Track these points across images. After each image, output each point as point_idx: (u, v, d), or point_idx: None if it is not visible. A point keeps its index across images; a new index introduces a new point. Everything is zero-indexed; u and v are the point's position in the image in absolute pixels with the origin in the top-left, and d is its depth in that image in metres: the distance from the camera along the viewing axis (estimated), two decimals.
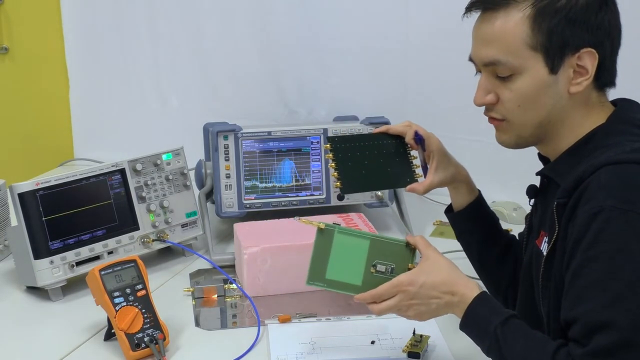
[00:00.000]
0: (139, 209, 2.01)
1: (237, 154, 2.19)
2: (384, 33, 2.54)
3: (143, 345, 1.61)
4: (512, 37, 1.35)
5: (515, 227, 1.99)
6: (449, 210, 1.76)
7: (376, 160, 1.72)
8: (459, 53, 1.54)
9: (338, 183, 1.68)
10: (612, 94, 1.44)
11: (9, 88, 2.92)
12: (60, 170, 2.86)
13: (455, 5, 1.50)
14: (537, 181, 1.50)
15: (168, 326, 1.67)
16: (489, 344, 1.34)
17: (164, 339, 1.63)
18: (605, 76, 1.38)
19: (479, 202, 1.72)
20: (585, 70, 1.35)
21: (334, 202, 2.25)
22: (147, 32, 2.80)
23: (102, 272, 1.63)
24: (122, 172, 1.99)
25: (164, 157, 2.08)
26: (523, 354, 1.29)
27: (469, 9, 1.41)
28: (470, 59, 1.44)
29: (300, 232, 1.73)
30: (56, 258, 1.86)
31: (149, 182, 2.03)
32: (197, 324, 1.78)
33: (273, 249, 1.89)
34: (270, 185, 2.22)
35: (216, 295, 1.90)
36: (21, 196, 1.83)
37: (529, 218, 1.57)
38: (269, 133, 2.21)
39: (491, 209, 1.75)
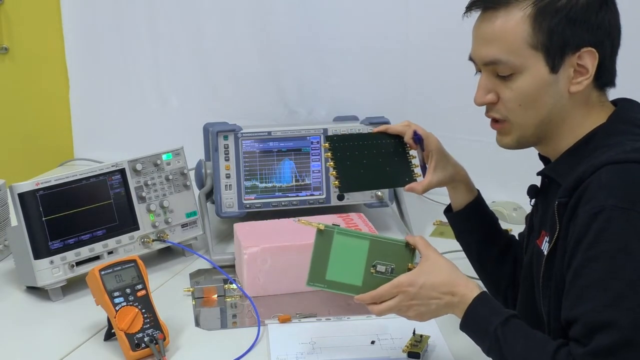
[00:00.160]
0: (139, 209, 2.01)
1: (237, 154, 2.19)
2: (384, 33, 2.53)
3: (143, 345, 1.60)
4: (512, 36, 1.35)
5: (515, 227, 1.99)
6: (448, 210, 1.76)
7: (375, 159, 1.72)
8: (459, 53, 1.54)
9: (336, 182, 1.68)
10: (612, 94, 1.44)
11: (9, 88, 2.92)
12: (60, 170, 2.86)
13: (455, 5, 1.50)
14: (537, 181, 1.50)
15: (168, 326, 1.66)
16: (489, 344, 1.34)
17: (164, 339, 1.63)
18: (605, 76, 1.39)
19: (478, 202, 1.72)
20: (586, 70, 1.35)
21: (334, 202, 2.25)
22: (147, 32, 2.80)
23: (102, 272, 1.63)
24: (122, 172, 1.99)
25: (164, 157, 2.08)
26: (523, 354, 1.29)
27: (469, 8, 1.41)
28: (471, 59, 1.44)
29: (300, 232, 1.73)
30: (56, 258, 1.86)
31: (149, 182, 2.03)
32: (197, 324, 1.77)
33: (273, 249, 1.89)
34: (270, 185, 2.22)
35: (216, 295, 1.89)
36: (21, 196, 1.83)
37: (530, 218, 1.57)
38: (269, 133, 2.21)
39: (491, 209, 1.75)
